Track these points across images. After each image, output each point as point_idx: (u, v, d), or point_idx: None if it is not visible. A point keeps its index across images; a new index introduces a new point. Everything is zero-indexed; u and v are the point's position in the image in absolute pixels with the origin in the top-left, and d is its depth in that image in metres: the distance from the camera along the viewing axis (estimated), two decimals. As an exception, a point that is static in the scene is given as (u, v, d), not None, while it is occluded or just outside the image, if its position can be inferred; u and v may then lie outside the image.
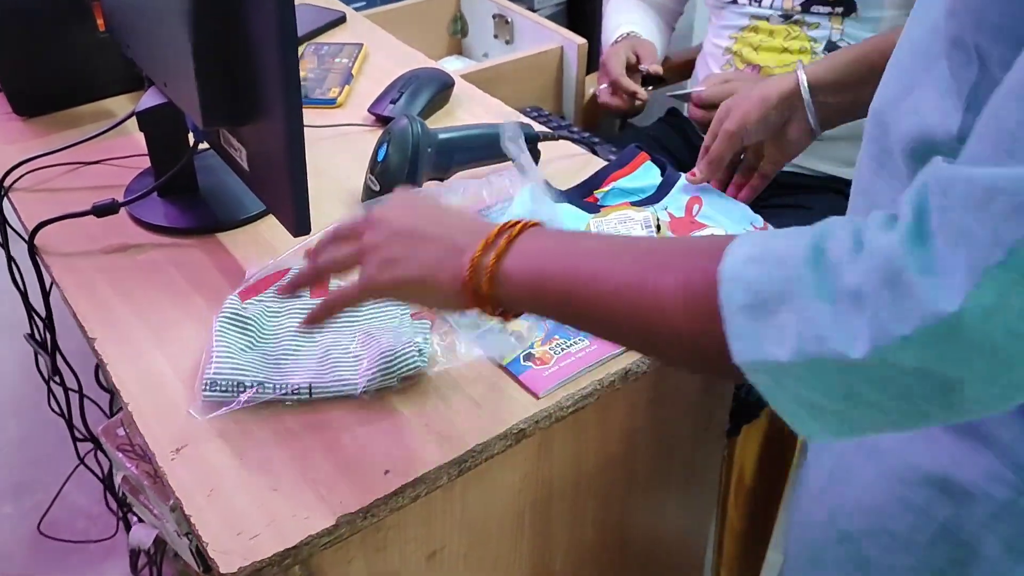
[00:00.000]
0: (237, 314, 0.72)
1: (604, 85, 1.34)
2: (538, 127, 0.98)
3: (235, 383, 0.67)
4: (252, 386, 0.66)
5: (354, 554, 0.64)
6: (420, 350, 0.68)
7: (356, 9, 1.52)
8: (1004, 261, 0.34)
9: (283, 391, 0.67)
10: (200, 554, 0.99)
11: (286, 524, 0.59)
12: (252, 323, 0.72)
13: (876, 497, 0.59)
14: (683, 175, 0.90)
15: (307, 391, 0.67)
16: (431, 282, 0.56)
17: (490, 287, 0.53)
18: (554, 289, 0.51)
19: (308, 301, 0.74)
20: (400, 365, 0.67)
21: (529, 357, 0.71)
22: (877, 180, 0.56)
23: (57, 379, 1.13)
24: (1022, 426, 0.52)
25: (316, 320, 0.61)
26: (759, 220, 0.82)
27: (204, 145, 0.89)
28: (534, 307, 0.54)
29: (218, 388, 0.67)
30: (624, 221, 0.79)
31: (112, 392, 1.35)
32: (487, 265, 0.53)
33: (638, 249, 0.50)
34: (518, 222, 0.54)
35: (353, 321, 0.72)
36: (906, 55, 0.54)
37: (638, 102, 1.31)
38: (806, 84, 0.90)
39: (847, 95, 0.83)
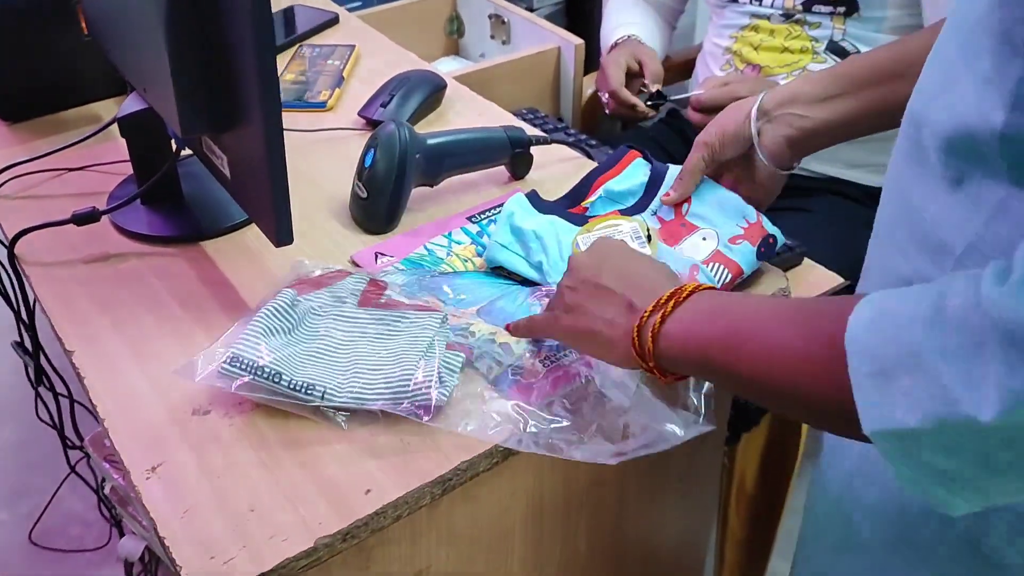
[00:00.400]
0: (286, 306, 0.70)
1: (604, 96, 1.32)
2: (531, 131, 0.96)
3: (255, 366, 0.64)
4: (270, 375, 0.64)
5: (336, 575, 0.62)
6: (443, 381, 0.66)
7: (352, 9, 1.50)
8: None
9: (296, 388, 0.64)
10: (187, 568, 0.97)
11: (262, 547, 0.57)
12: (295, 318, 0.70)
13: (897, 507, 0.57)
14: (670, 167, 0.86)
15: (320, 394, 0.64)
16: (603, 337, 0.60)
17: (654, 348, 0.56)
18: (713, 354, 0.54)
19: (353, 309, 0.72)
20: (415, 395, 0.64)
21: (518, 371, 0.69)
22: (911, 178, 0.53)
23: (47, 386, 1.12)
24: None
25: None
26: (752, 213, 0.79)
27: (188, 152, 0.87)
28: (695, 370, 0.58)
29: (237, 364, 0.64)
30: (613, 235, 0.77)
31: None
32: (652, 326, 0.56)
33: (787, 312, 0.52)
34: (688, 285, 0.57)
35: (389, 335, 0.70)
36: (948, 50, 0.51)
37: (640, 111, 1.29)
38: (757, 105, 0.80)
39: (825, 108, 0.76)
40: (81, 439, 1.21)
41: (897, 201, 0.56)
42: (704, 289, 0.57)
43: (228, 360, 0.65)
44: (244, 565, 0.56)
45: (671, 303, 0.56)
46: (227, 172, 0.78)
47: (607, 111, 1.34)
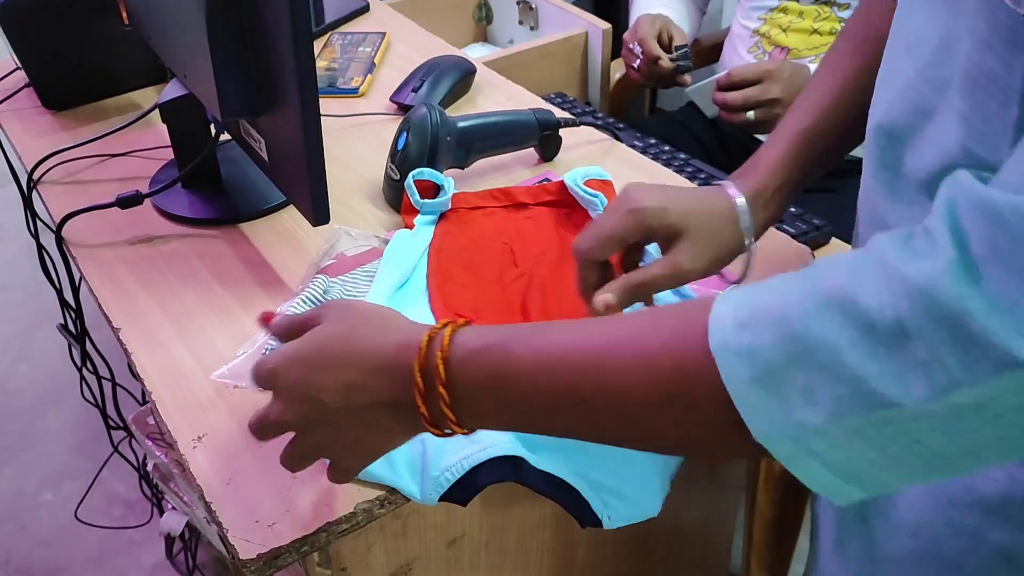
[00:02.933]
0: (318, 294, 0.73)
1: (631, 44, 1.31)
2: (560, 113, 0.97)
3: None
4: None
5: (373, 540, 0.64)
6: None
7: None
8: None
9: None
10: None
11: (304, 512, 0.59)
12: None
13: (923, 520, 0.56)
14: None
15: None
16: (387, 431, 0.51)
17: (448, 395, 0.46)
18: (525, 372, 0.45)
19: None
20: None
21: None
22: (889, 206, 0.52)
23: (90, 368, 1.15)
24: None
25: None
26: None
27: (226, 136, 0.89)
28: (502, 405, 0.47)
29: None
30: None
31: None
32: (435, 363, 0.46)
33: (611, 325, 0.45)
34: (447, 323, 0.48)
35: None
36: (907, 73, 0.50)
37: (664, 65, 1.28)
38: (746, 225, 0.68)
39: (785, 191, 0.69)
40: (123, 420, 1.24)
41: (869, 219, 0.56)
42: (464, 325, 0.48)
43: (266, 351, 0.68)
44: (287, 529, 0.58)
45: (443, 337, 0.47)
46: (265, 155, 0.80)
47: (631, 64, 1.32)
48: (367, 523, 0.60)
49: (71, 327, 1.13)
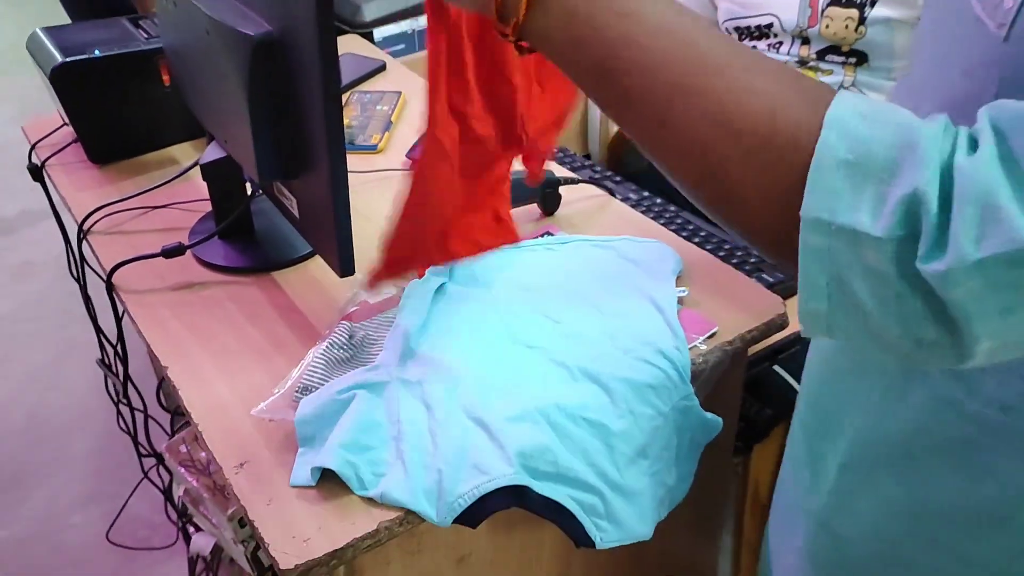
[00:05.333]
0: (344, 339, 0.82)
1: None
2: (560, 171, 1.07)
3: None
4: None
5: (392, 557, 0.73)
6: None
7: (396, 53, 1.63)
8: None
9: None
10: (255, 559, 1.09)
11: (334, 529, 0.68)
12: (353, 347, 0.81)
13: (877, 524, 0.63)
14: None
15: None
16: None
17: None
18: (622, 43, 0.43)
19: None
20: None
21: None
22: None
23: (125, 401, 1.25)
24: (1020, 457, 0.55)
25: None
26: None
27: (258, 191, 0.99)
28: (577, 48, 0.44)
29: (307, 393, 0.76)
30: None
31: (172, 412, 1.47)
32: None
33: (747, 50, 0.44)
34: None
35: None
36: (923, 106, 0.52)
37: None
38: None
39: None
40: (153, 448, 1.34)
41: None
42: None
43: (300, 390, 0.77)
44: (319, 543, 0.67)
45: None
46: (296, 212, 0.90)
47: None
48: (388, 539, 0.70)
49: (109, 362, 1.23)
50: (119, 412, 1.30)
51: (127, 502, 1.57)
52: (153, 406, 1.31)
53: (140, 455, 1.38)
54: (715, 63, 0.43)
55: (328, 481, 0.72)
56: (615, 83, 0.45)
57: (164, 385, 1.47)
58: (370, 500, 0.70)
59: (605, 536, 0.75)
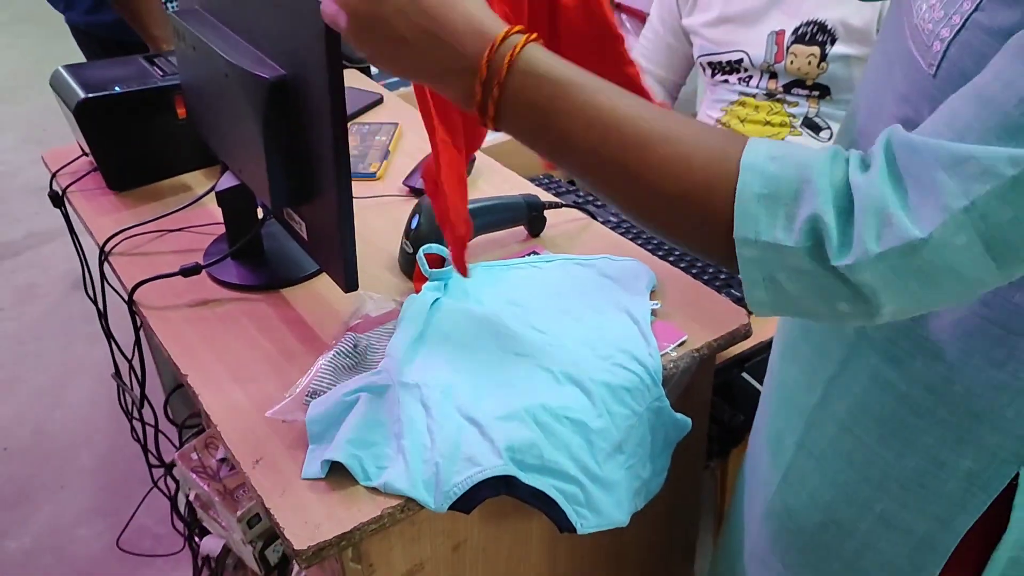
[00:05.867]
0: (349, 347, 0.91)
1: None
2: (546, 196, 1.16)
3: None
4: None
5: (394, 542, 0.81)
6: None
7: (391, 86, 1.73)
8: (968, 207, 0.46)
9: None
10: (262, 558, 1.17)
11: (342, 515, 0.77)
12: (357, 355, 0.90)
13: (824, 496, 0.73)
14: None
15: None
16: (442, 43, 0.57)
17: (507, 76, 0.56)
18: (570, 101, 0.55)
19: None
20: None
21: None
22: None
23: (137, 415, 1.33)
24: (942, 432, 0.64)
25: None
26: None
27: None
28: (540, 122, 0.56)
29: (316, 396, 0.85)
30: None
31: (180, 426, 1.54)
32: (513, 47, 0.56)
33: (669, 118, 0.55)
34: (522, 30, 0.57)
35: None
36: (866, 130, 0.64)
37: None
38: None
39: None
40: (162, 459, 1.41)
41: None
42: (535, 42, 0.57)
43: (308, 393, 0.86)
44: (329, 527, 0.76)
45: (521, 39, 0.56)
46: (304, 234, 0.99)
47: None
48: (391, 524, 0.78)
49: (121, 376, 1.31)
50: (132, 424, 1.38)
51: (136, 510, 1.64)
52: (160, 420, 1.39)
53: (150, 466, 1.46)
54: (644, 139, 0.55)
55: (336, 474, 0.80)
56: (566, 161, 0.59)
57: (172, 400, 1.55)
58: (374, 490, 0.79)
59: (585, 523, 0.84)
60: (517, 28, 0.58)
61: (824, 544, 0.75)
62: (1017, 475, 0.62)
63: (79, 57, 1.38)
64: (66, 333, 2.42)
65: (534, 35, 0.58)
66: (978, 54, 0.52)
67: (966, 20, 0.53)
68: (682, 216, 0.55)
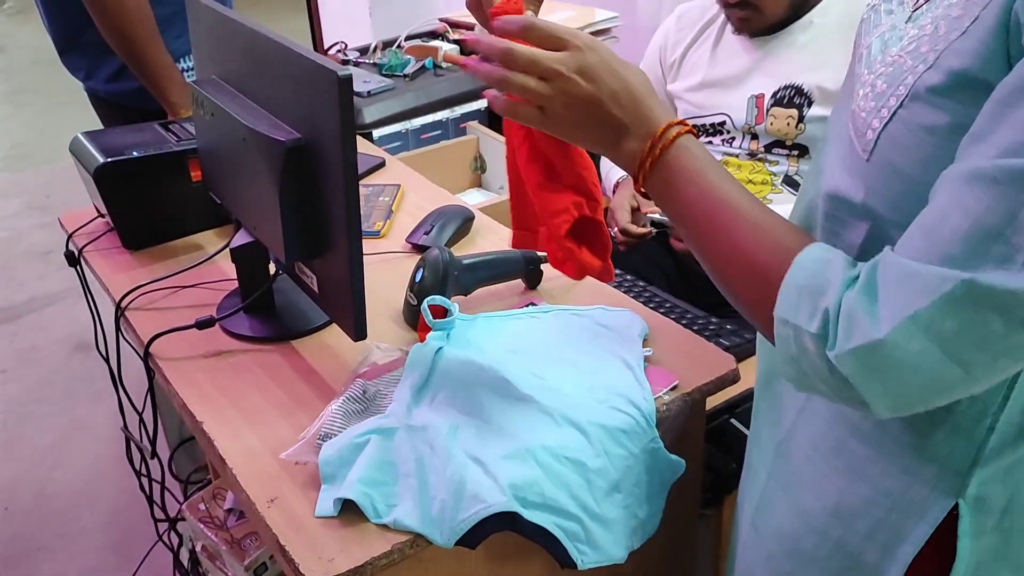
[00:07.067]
0: (358, 393, 0.95)
1: (615, 230, 1.60)
2: (540, 251, 1.22)
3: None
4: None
5: (402, 577, 0.85)
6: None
7: (392, 151, 1.81)
8: (912, 316, 0.54)
9: None
10: (270, 606, 1.19)
11: (354, 550, 0.80)
12: (366, 400, 0.95)
13: (790, 524, 0.77)
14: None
15: None
16: (618, 121, 0.71)
17: (658, 158, 0.70)
18: (692, 201, 0.69)
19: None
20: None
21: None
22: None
23: (145, 471, 1.36)
24: (887, 463, 0.69)
25: (483, 71, 0.73)
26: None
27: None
28: (671, 200, 0.71)
29: (328, 439, 0.89)
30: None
31: (185, 481, 1.57)
32: (666, 139, 0.70)
33: (758, 211, 0.68)
34: (681, 123, 0.71)
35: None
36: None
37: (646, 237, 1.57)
38: None
39: None
40: (166, 514, 1.44)
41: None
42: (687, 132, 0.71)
43: (320, 437, 0.91)
44: (342, 562, 0.79)
45: (673, 133, 0.70)
46: (315, 287, 1.04)
47: (620, 248, 1.60)
48: (400, 560, 0.82)
49: (129, 430, 1.34)
50: (139, 479, 1.41)
51: (139, 569, 1.66)
52: (165, 476, 1.42)
53: (156, 520, 1.48)
54: (738, 221, 0.67)
55: (347, 512, 0.84)
56: (688, 225, 0.71)
57: (176, 456, 1.58)
58: (384, 527, 0.83)
59: (585, 558, 0.88)
60: (677, 121, 0.72)
61: (790, 573, 0.79)
62: (956, 506, 0.66)
63: (81, 126, 1.44)
64: (67, 395, 2.45)
65: (688, 127, 0.72)
66: (902, 147, 0.60)
67: (892, 114, 0.60)
68: (746, 287, 0.67)
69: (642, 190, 0.74)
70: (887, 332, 0.55)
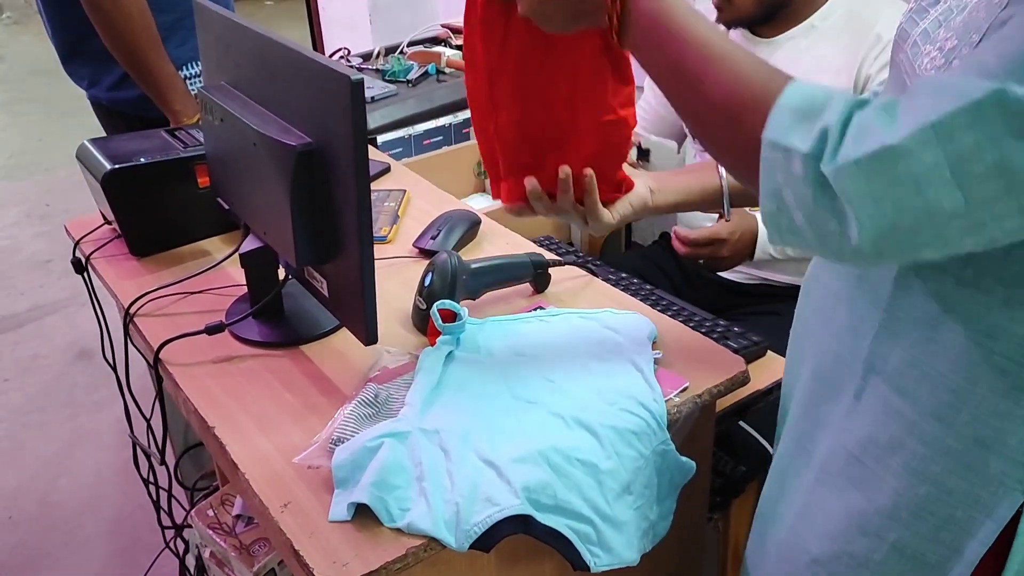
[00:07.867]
0: (370, 397, 0.95)
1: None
2: (548, 255, 1.23)
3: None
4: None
5: (416, 582, 0.85)
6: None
7: (396, 156, 1.81)
8: (933, 123, 0.53)
9: None
10: (279, 612, 1.19)
11: (368, 555, 0.80)
12: (377, 404, 0.95)
13: (838, 526, 0.76)
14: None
15: None
16: None
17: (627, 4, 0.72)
18: (674, 37, 0.69)
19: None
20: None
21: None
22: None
23: (152, 480, 1.36)
24: (950, 461, 0.68)
25: None
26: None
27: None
28: (652, 44, 0.72)
29: (340, 443, 0.89)
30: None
31: (191, 489, 1.57)
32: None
33: (738, 49, 0.68)
34: None
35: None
36: None
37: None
38: None
39: None
40: (173, 520, 1.44)
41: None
42: None
43: (332, 441, 0.91)
44: (356, 566, 0.79)
45: None
46: (325, 292, 1.04)
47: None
48: (415, 564, 0.82)
49: (134, 435, 1.34)
50: (147, 486, 1.40)
51: (147, 573, 1.65)
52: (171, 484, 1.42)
53: (163, 527, 1.48)
54: (727, 61, 0.67)
55: (361, 516, 0.84)
56: (670, 74, 0.71)
57: (182, 463, 1.58)
58: (398, 530, 0.83)
59: (598, 561, 0.88)
60: None
61: None
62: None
63: (80, 135, 1.44)
64: (70, 403, 2.45)
65: None
66: None
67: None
68: (728, 120, 0.65)
69: (622, 44, 0.74)
70: (902, 137, 0.54)
